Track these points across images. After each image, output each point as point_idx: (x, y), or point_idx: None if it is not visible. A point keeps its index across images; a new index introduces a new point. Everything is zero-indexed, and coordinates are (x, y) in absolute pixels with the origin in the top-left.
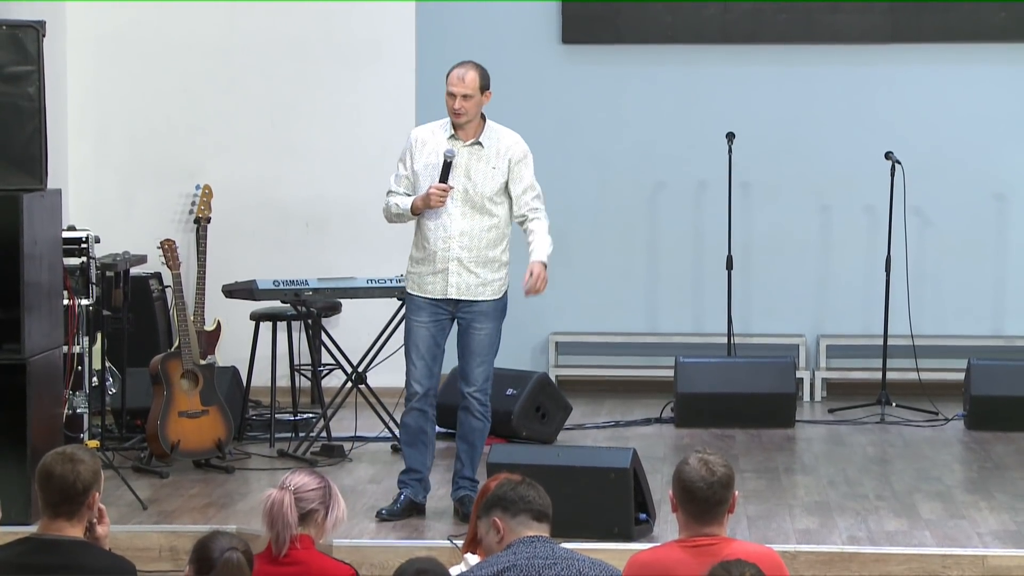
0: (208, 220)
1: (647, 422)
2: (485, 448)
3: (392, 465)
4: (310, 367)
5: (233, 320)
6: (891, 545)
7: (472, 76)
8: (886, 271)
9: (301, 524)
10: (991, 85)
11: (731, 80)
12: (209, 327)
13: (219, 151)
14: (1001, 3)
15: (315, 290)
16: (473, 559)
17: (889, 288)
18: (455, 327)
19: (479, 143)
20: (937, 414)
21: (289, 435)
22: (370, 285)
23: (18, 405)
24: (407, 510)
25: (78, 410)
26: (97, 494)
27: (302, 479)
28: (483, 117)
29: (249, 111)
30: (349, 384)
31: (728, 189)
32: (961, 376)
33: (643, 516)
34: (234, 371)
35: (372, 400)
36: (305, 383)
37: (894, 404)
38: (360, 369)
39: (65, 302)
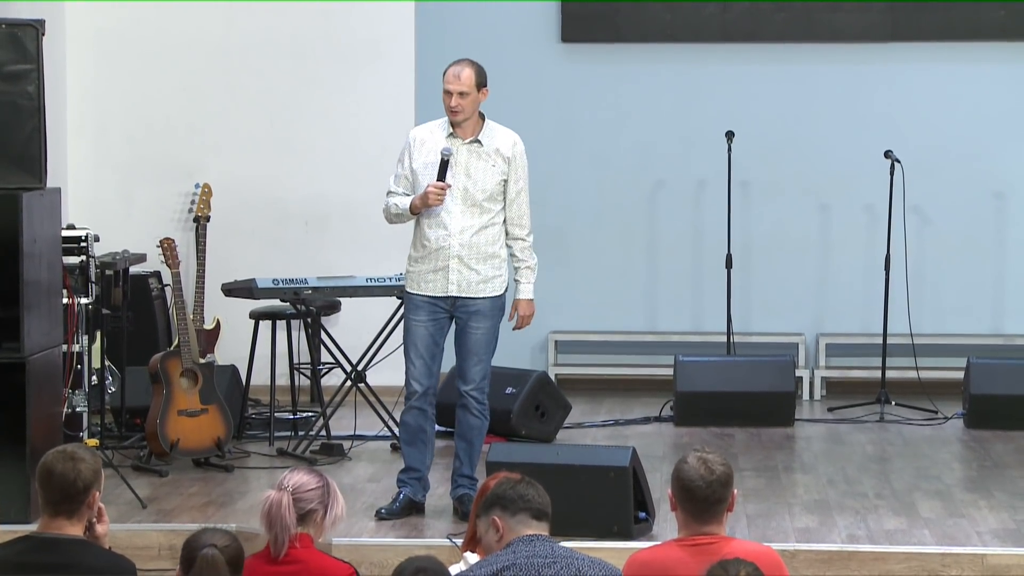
0: (207, 219)
1: (646, 421)
2: (484, 447)
3: (391, 464)
4: (309, 366)
5: (232, 319)
6: (890, 544)
7: (468, 73)
8: (885, 270)
9: (300, 523)
10: (990, 83)
11: (730, 79)
12: (208, 326)
13: (218, 150)
14: (1000, 2)
15: (314, 289)
16: (472, 558)
17: (888, 287)
18: (453, 326)
19: (478, 141)
20: (936, 413)
21: (288, 434)
22: (369, 284)
23: (17, 404)
24: (406, 509)
25: (77, 409)
26: (97, 493)
27: (301, 478)
28: (482, 116)
29: (248, 110)
30: (348, 383)
31: (727, 188)
32: (960, 375)
33: (642, 515)
34: (233, 370)
35: (371, 399)
36: (304, 382)
37: (893, 403)
38: (359, 368)
39: (64, 301)
